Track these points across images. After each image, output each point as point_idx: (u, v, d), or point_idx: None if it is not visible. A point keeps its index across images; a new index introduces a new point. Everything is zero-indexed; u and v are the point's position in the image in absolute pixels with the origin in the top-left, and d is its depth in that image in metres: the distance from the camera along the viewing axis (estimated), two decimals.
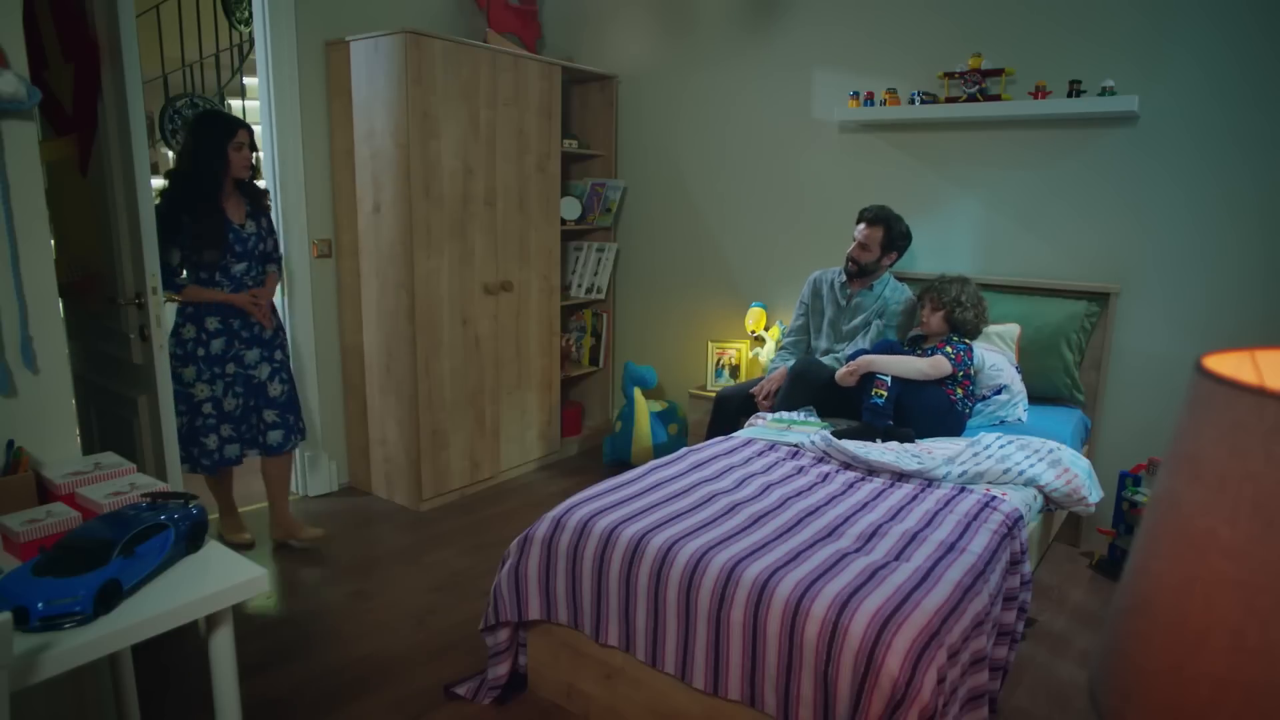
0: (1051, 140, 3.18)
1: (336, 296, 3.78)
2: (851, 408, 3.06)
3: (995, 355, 3.06)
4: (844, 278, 3.30)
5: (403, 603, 2.80)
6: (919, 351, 2.98)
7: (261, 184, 3.14)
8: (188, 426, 2.95)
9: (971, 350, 2.94)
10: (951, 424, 2.91)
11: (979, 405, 3.05)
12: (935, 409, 2.88)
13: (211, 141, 2.85)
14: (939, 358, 2.88)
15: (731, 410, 3.37)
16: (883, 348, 2.95)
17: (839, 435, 2.81)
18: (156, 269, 2.45)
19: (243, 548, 3.16)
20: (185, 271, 2.90)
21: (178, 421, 2.87)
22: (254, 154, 2.97)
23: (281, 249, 3.27)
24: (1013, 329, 3.17)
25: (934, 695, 1.56)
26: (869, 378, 2.90)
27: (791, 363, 3.35)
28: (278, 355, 3.09)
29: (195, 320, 2.93)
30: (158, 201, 2.77)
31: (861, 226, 3.19)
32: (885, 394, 2.84)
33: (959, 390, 2.93)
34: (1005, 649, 2.17)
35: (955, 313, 2.92)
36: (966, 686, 1.78)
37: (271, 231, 3.09)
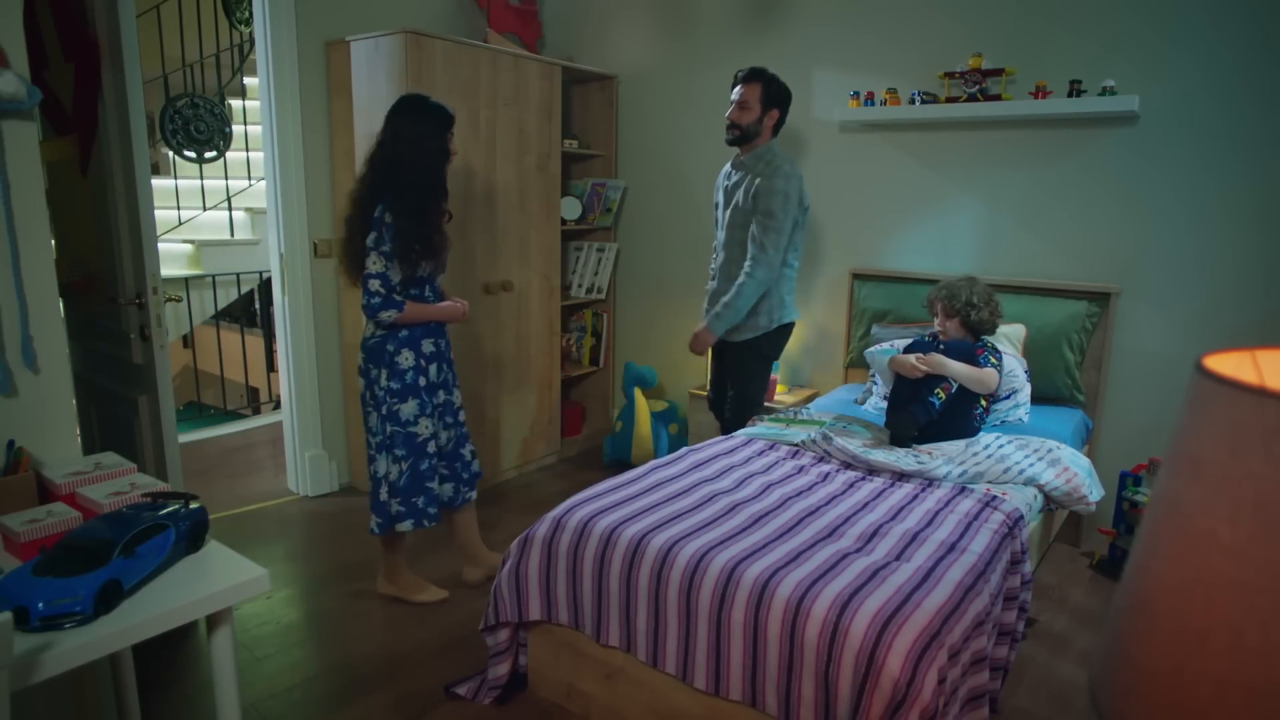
0: (1052, 140, 3.18)
1: (337, 296, 3.78)
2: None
3: (1011, 361, 3.03)
4: (730, 166, 3.14)
5: (402, 603, 2.79)
6: (941, 347, 2.93)
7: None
8: (410, 473, 2.57)
9: (1003, 362, 2.88)
10: (965, 435, 2.88)
11: None
12: (957, 422, 2.83)
13: (434, 133, 2.47)
14: (992, 372, 2.79)
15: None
16: (955, 352, 2.83)
17: (890, 424, 2.78)
18: (157, 269, 2.46)
19: (436, 601, 2.79)
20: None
21: (392, 470, 2.58)
22: None
23: None
24: (1018, 329, 3.17)
25: (935, 695, 1.56)
26: (915, 378, 2.81)
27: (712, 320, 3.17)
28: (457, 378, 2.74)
29: (411, 344, 2.52)
30: (379, 213, 2.42)
31: (738, 88, 2.99)
32: (945, 397, 2.77)
33: (982, 402, 2.90)
34: (1006, 649, 2.17)
35: (971, 315, 2.86)
36: (967, 686, 1.78)
37: None
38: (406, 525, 2.61)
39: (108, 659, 1.83)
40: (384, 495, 2.62)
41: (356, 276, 2.53)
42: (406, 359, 2.53)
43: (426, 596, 2.79)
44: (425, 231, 2.47)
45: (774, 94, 3.00)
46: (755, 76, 2.99)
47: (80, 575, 1.20)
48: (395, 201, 2.42)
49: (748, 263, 2.98)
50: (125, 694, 1.82)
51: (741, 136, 3.02)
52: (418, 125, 2.46)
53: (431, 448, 2.60)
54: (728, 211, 3.09)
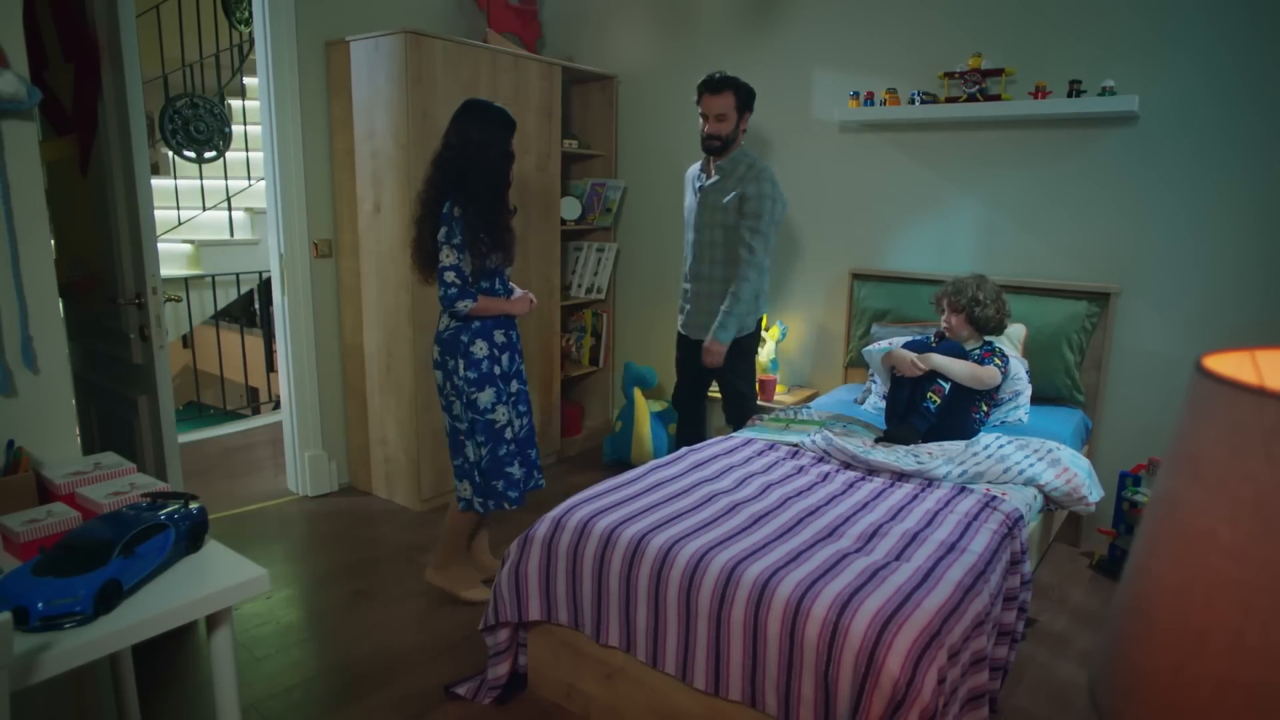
0: (1052, 140, 3.18)
1: (336, 296, 3.78)
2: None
3: (1016, 364, 3.03)
4: (703, 162, 3.16)
5: (403, 603, 2.79)
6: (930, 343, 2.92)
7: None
8: (489, 459, 2.66)
9: (1008, 365, 2.88)
10: (965, 436, 2.88)
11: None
12: (956, 423, 2.83)
13: (499, 137, 2.57)
14: (993, 370, 2.78)
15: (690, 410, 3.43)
16: (948, 351, 2.82)
17: (886, 438, 2.78)
18: (156, 269, 2.46)
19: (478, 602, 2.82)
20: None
21: (475, 456, 2.67)
22: None
23: None
24: (1018, 329, 3.17)
25: (934, 695, 1.56)
26: (913, 376, 2.81)
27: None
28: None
29: (484, 335, 2.62)
30: (447, 208, 2.49)
31: (708, 98, 2.99)
32: (940, 400, 2.77)
33: (984, 406, 2.90)
34: (1005, 649, 2.17)
35: (976, 311, 2.85)
36: (967, 686, 1.78)
37: None
38: (490, 506, 2.71)
39: (108, 659, 1.82)
40: (477, 477, 2.72)
41: (427, 274, 2.63)
42: (480, 349, 2.61)
43: (473, 594, 2.81)
44: (493, 225, 2.55)
45: (744, 98, 3.04)
46: (727, 85, 2.99)
47: (80, 575, 1.20)
48: (464, 198, 2.51)
49: (742, 267, 3.03)
50: (125, 694, 1.82)
51: (722, 146, 3.06)
52: (484, 130, 2.54)
53: (508, 434, 2.68)
54: (705, 212, 3.11)
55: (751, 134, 3.94)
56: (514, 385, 2.73)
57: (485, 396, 2.62)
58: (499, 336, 2.66)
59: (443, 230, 2.51)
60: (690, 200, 3.24)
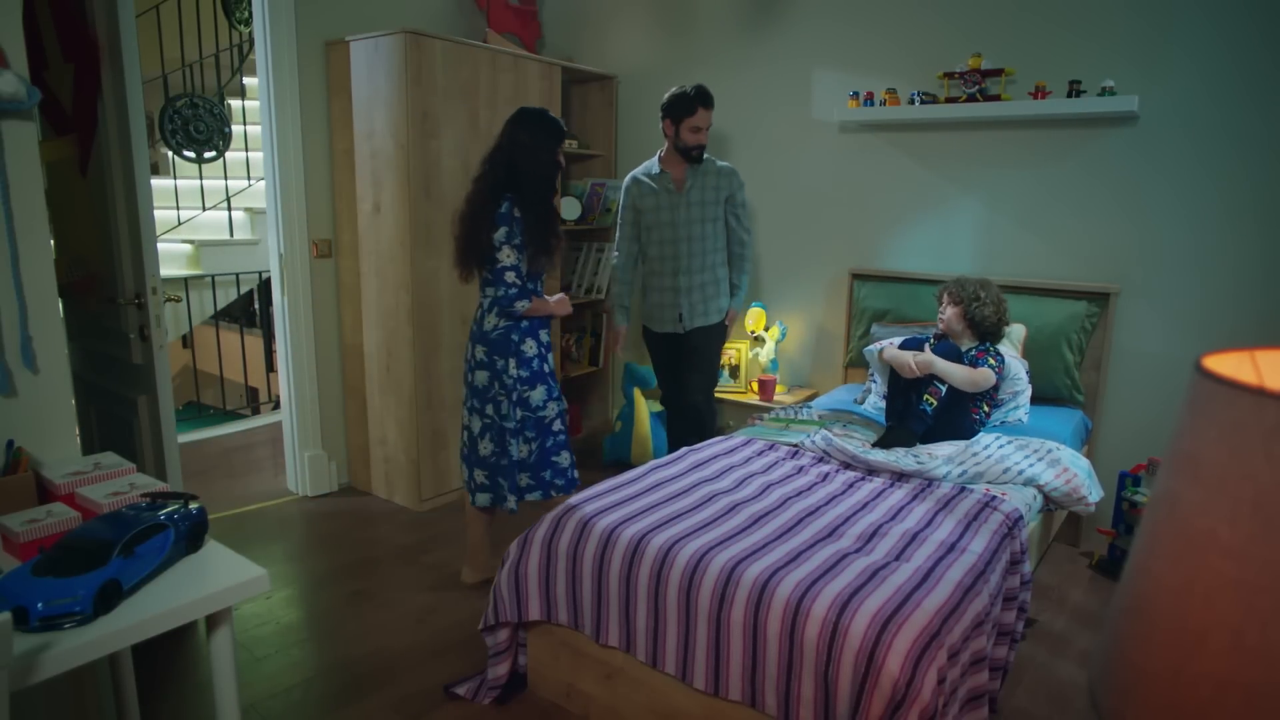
0: (1051, 140, 3.18)
1: (336, 296, 3.78)
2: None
3: (1016, 365, 3.03)
4: (657, 169, 3.28)
5: (403, 603, 2.80)
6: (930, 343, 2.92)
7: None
8: (538, 451, 2.73)
9: (1004, 365, 2.89)
10: (964, 436, 2.88)
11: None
12: (955, 423, 2.83)
13: (550, 145, 2.63)
14: (987, 371, 2.78)
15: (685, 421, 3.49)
16: (945, 351, 2.82)
17: (882, 443, 2.78)
18: (156, 269, 2.45)
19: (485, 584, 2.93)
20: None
21: (521, 450, 2.72)
22: None
23: None
24: (1018, 329, 3.17)
25: (934, 695, 1.56)
26: (910, 378, 2.81)
27: (626, 315, 3.47)
28: None
29: (532, 334, 2.68)
30: (505, 208, 2.53)
31: (704, 111, 3.16)
32: (936, 402, 2.77)
33: (984, 407, 2.89)
34: (1005, 649, 2.17)
35: (972, 308, 2.85)
36: (966, 686, 1.78)
37: None
38: (535, 496, 2.78)
39: (107, 659, 1.82)
40: (518, 474, 2.76)
41: (467, 272, 2.67)
42: (531, 347, 2.68)
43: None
44: (545, 228, 2.60)
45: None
46: (712, 102, 3.20)
47: (80, 575, 1.20)
48: (522, 199, 2.56)
49: (747, 250, 3.39)
50: (125, 694, 1.82)
51: (701, 154, 3.24)
52: (532, 134, 2.60)
53: (557, 426, 2.75)
54: (693, 210, 3.24)
55: (752, 135, 3.94)
56: (557, 381, 2.81)
57: (538, 394, 2.69)
58: (544, 336, 2.73)
59: (502, 230, 2.54)
60: (653, 202, 3.28)
